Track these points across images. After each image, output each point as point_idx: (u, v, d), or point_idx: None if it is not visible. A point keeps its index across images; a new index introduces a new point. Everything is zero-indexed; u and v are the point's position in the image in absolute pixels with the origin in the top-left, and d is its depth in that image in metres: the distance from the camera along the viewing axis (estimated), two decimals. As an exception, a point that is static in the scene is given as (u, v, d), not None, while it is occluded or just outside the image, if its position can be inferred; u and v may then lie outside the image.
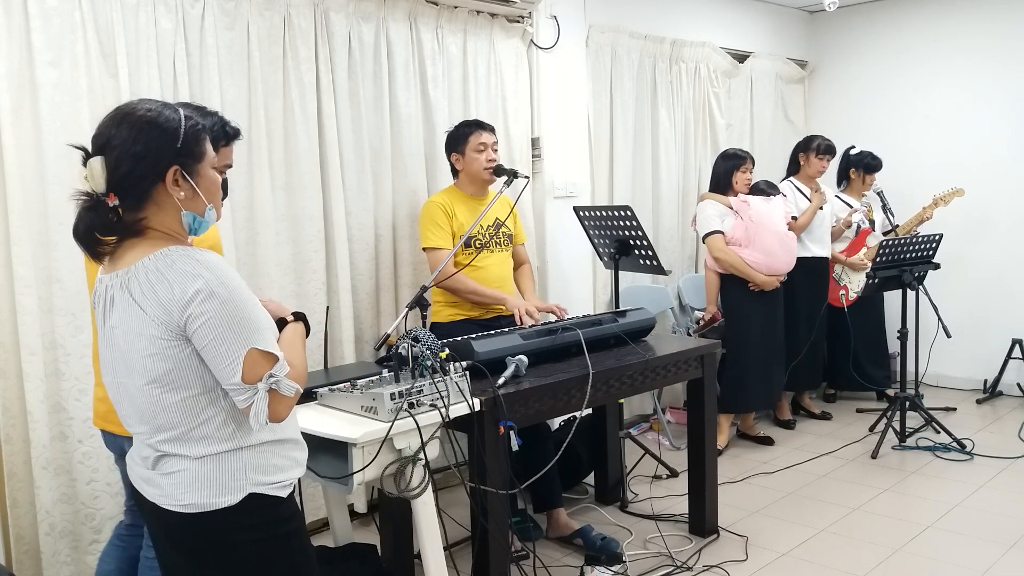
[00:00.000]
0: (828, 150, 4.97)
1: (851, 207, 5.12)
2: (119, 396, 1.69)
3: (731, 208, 4.52)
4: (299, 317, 1.86)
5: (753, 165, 4.66)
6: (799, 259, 4.84)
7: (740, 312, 4.54)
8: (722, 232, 4.50)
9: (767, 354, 4.57)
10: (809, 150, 4.97)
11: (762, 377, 4.57)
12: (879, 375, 5.28)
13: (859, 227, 4.98)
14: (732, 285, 4.56)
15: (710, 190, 4.72)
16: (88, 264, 2.33)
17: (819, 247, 4.96)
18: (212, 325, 1.54)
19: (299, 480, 1.81)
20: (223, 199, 1.86)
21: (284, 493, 1.70)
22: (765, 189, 4.64)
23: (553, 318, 3.42)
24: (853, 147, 5.32)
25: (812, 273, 4.93)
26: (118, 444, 2.35)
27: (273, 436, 1.68)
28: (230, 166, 2.37)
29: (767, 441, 4.70)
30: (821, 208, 4.88)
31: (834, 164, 5.34)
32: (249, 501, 1.63)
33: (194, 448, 1.61)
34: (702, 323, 4.65)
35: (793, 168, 5.07)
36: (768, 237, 4.44)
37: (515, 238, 3.78)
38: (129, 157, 1.54)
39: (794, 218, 4.79)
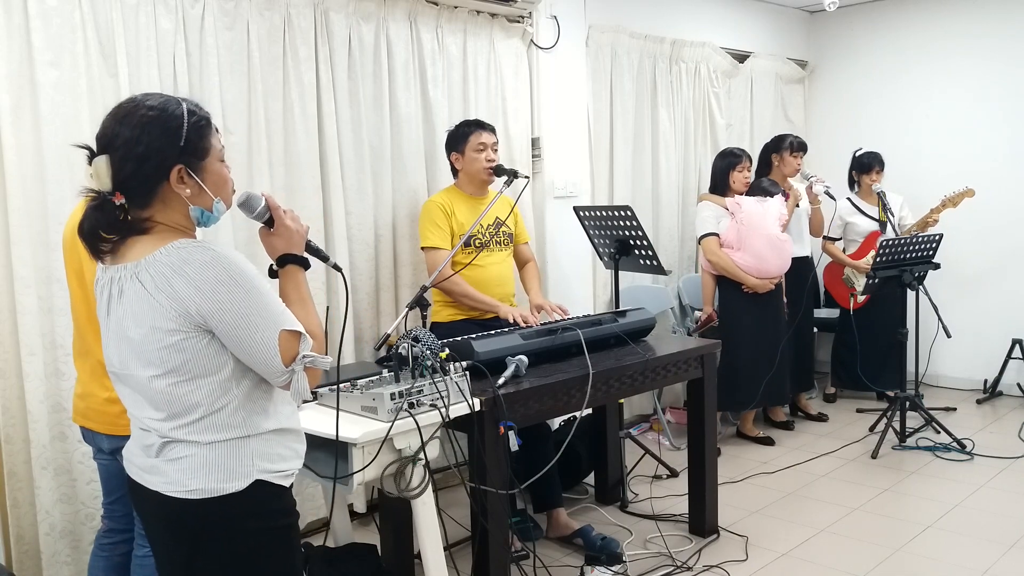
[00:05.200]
0: (801, 147, 4.94)
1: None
2: (127, 385, 1.68)
3: (727, 209, 4.53)
4: (292, 259, 1.77)
5: (751, 163, 4.65)
6: None
7: (733, 313, 4.54)
8: (717, 234, 4.51)
9: (761, 355, 4.54)
10: (782, 150, 4.91)
11: (753, 378, 4.53)
12: (893, 378, 5.06)
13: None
14: (727, 286, 4.57)
15: (709, 190, 4.73)
16: (67, 260, 2.31)
17: (799, 246, 4.92)
18: (242, 314, 1.56)
19: (298, 480, 1.81)
20: None
21: (287, 483, 1.71)
22: (767, 188, 4.63)
23: (557, 316, 3.43)
24: (860, 149, 5.32)
25: (793, 273, 4.87)
26: (96, 441, 2.36)
27: (279, 424, 1.70)
28: None
29: (767, 441, 4.70)
30: (797, 205, 4.85)
31: (844, 170, 5.36)
32: (255, 488, 1.64)
33: (205, 435, 1.61)
34: (699, 323, 4.67)
35: (763, 170, 5.01)
36: (758, 240, 4.42)
37: (517, 237, 3.78)
38: (132, 158, 1.55)
39: None
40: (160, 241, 1.59)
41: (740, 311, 4.53)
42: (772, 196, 4.57)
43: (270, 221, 1.78)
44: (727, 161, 4.62)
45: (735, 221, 4.48)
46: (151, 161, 1.56)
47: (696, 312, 4.99)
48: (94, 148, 1.59)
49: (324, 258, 1.91)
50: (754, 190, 4.62)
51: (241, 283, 1.56)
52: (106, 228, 1.58)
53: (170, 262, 1.55)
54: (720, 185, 4.63)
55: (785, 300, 4.75)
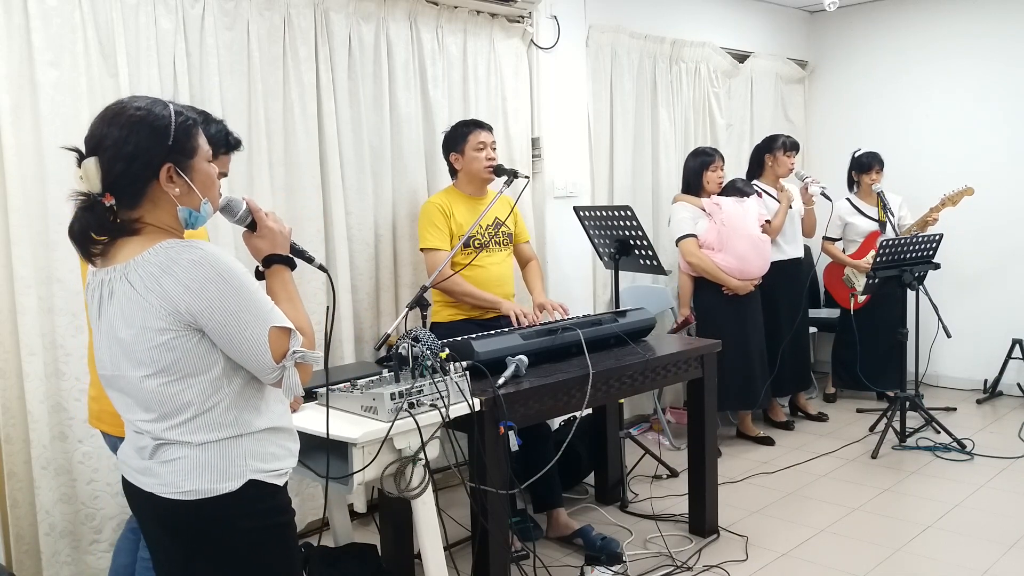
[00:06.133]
0: (794, 146, 4.89)
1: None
2: (119, 386, 1.69)
3: (704, 210, 4.47)
4: (278, 259, 1.78)
5: (723, 163, 4.58)
6: (775, 262, 4.82)
7: (713, 316, 4.46)
8: (695, 235, 4.45)
9: (743, 357, 4.50)
10: (775, 149, 4.85)
11: (734, 380, 4.48)
12: (894, 378, 5.01)
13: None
14: (706, 288, 4.50)
15: (682, 191, 4.65)
16: (83, 263, 2.33)
17: (792, 247, 4.91)
18: (232, 312, 1.57)
19: (298, 480, 1.82)
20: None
21: (281, 482, 1.72)
22: (741, 188, 4.57)
23: (559, 315, 3.43)
24: (859, 149, 5.32)
25: (788, 274, 4.88)
26: (112, 443, 2.36)
27: (271, 423, 1.71)
28: (225, 175, 2.39)
29: (767, 441, 4.70)
30: (790, 207, 4.83)
31: (843, 170, 5.36)
32: (248, 488, 1.65)
33: (197, 435, 1.62)
34: (675, 325, 4.62)
35: (756, 171, 4.97)
36: (740, 241, 4.38)
37: (518, 236, 3.78)
38: (121, 158, 1.56)
39: (767, 221, 4.75)
40: (149, 242, 1.60)
41: (719, 313, 4.46)
42: (747, 196, 4.51)
43: (252, 224, 1.79)
44: (700, 160, 4.55)
45: (715, 222, 4.41)
46: (140, 160, 1.57)
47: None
48: (83, 151, 1.60)
49: (309, 259, 1.92)
50: (728, 190, 4.56)
51: (230, 281, 1.57)
52: (96, 229, 1.59)
53: (158, 262, 1.56)
54: (694, 185, 4.56)
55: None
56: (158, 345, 1.58)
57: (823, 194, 4.83)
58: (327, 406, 2.05)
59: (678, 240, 4.50)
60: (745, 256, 4.40)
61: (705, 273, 4.45)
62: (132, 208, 1.60)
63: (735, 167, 5.57)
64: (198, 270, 1.56)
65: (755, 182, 4.92)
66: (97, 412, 2.37)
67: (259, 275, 1.78)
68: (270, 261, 1.78)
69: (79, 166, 1.58)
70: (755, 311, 4.63)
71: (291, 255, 1.82)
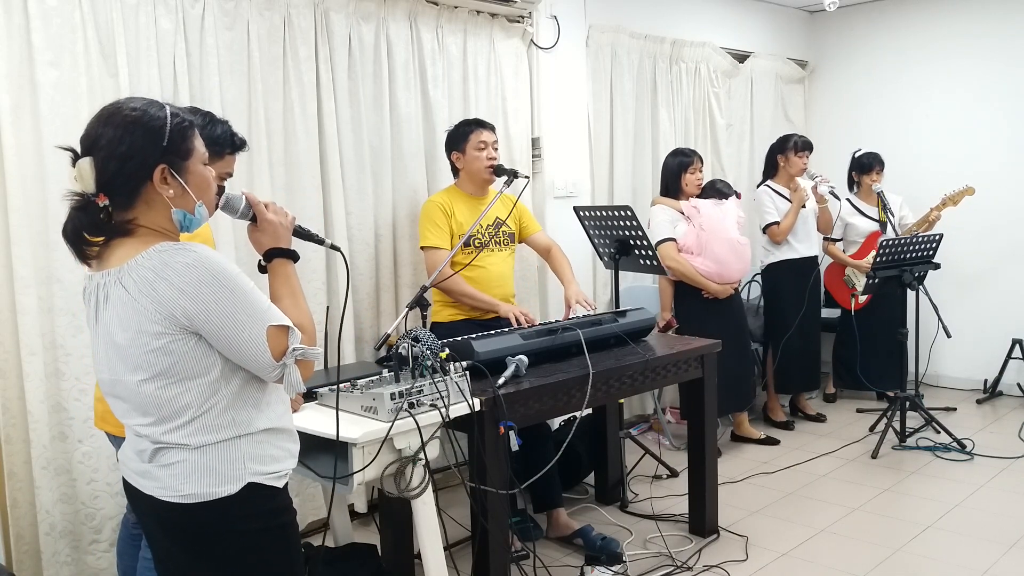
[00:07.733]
0: (806, 146, 4.88)
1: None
2: (115, 391, 1.68)
3: (682, 213, 4.41)
4: (279, 253, 1.77)
5: (702, 164, 4.53)
6: (786, 260, 4.82)
7: (696, 320, 4.37)
8: (674, 239, 4.37)
9: (729, 360, 4.32)
10: (787, 150, 4.85)
11: (723, 383, 4.25)
12: (894, 378, 4.99)
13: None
14: (687, 292, 4.44)
15: (660, 193, 4.58)
16: None
17: (805, 246, 4.91)
18: (228, 314, 1.56)
19: (298, 480, 1.82)
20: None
21: (280, 484, 1.72)
22: (721, 188, 4.52)
23: (582, 311, 3.44)
24: (859, 149, 5.31)
25: (799, 273, 4.87)
26: (118, 444, 2.37)
27: (270, 424, 1.70)
28: (231, 174, 2.40)
29: (771, 441, 4.70)
30: (803, 206, 4.82)
31: (843, 170, 5.35)
32: (248, 491, 1.64)
33: (195, 437, 1.62)
34: (657, 330, 4.56)
35: (770, 171, 4.97)
36: (719, 245, 4.31)
37: (527, 229, 3.78)
38: (115, 157, 1.55)
39: (776, 223, 4.75)
40: (142, 244, 1.59)
41: (701, 317, 4.38)
42: (726, 198, 4.47)
43: (255, 218, 1.78)
44: (678, 161, 4.47)
45: (693, 226, 4.34)
46: (134, 160, 1.56)
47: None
48: (78, 151, 1.59)
49: (320, 241, 1.90)
50: (708, 191, 4.50)
51: (224, 283, 1.56)
52: (90, 230, 1.59)
53: (152, 266, 1.55)
54: (672, 187, 4.48)
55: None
56: (154, 349, 1.57)
57: (831, 193, 4.83)
58: (336, 408, 2.05)
59: (657, 244, 4.36)
60: (724, 260, 4.34)
61: (684, 277, 4.38)
62: (126, 209, 1.60)
63: (735, 167, 5.59)
64: (192, 273, 1.55)
65: (768, 183, 4.94)
66: (102, 413, 2.37)
67: (263, 269, 1.77)
68: (271, 255, 1.77)
69: (74, 165, 1.57)
70: (739, 313, 4.60)
71: (298, 240, 1.80)
